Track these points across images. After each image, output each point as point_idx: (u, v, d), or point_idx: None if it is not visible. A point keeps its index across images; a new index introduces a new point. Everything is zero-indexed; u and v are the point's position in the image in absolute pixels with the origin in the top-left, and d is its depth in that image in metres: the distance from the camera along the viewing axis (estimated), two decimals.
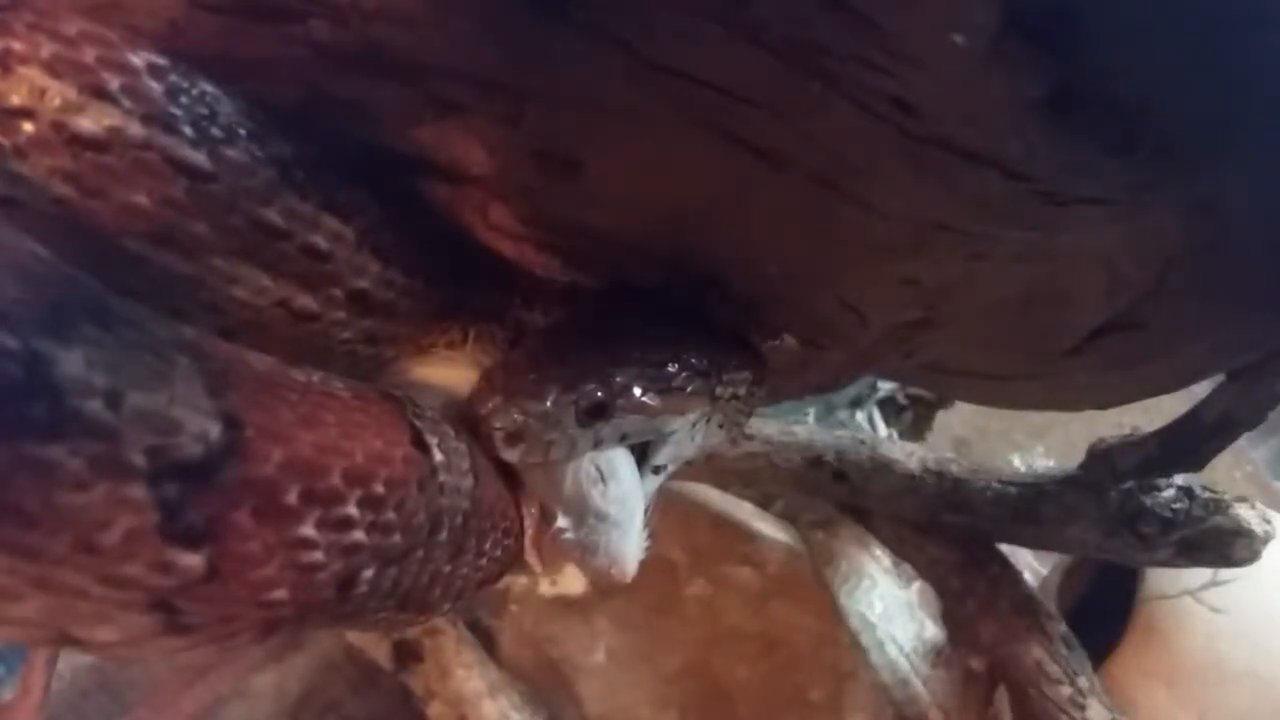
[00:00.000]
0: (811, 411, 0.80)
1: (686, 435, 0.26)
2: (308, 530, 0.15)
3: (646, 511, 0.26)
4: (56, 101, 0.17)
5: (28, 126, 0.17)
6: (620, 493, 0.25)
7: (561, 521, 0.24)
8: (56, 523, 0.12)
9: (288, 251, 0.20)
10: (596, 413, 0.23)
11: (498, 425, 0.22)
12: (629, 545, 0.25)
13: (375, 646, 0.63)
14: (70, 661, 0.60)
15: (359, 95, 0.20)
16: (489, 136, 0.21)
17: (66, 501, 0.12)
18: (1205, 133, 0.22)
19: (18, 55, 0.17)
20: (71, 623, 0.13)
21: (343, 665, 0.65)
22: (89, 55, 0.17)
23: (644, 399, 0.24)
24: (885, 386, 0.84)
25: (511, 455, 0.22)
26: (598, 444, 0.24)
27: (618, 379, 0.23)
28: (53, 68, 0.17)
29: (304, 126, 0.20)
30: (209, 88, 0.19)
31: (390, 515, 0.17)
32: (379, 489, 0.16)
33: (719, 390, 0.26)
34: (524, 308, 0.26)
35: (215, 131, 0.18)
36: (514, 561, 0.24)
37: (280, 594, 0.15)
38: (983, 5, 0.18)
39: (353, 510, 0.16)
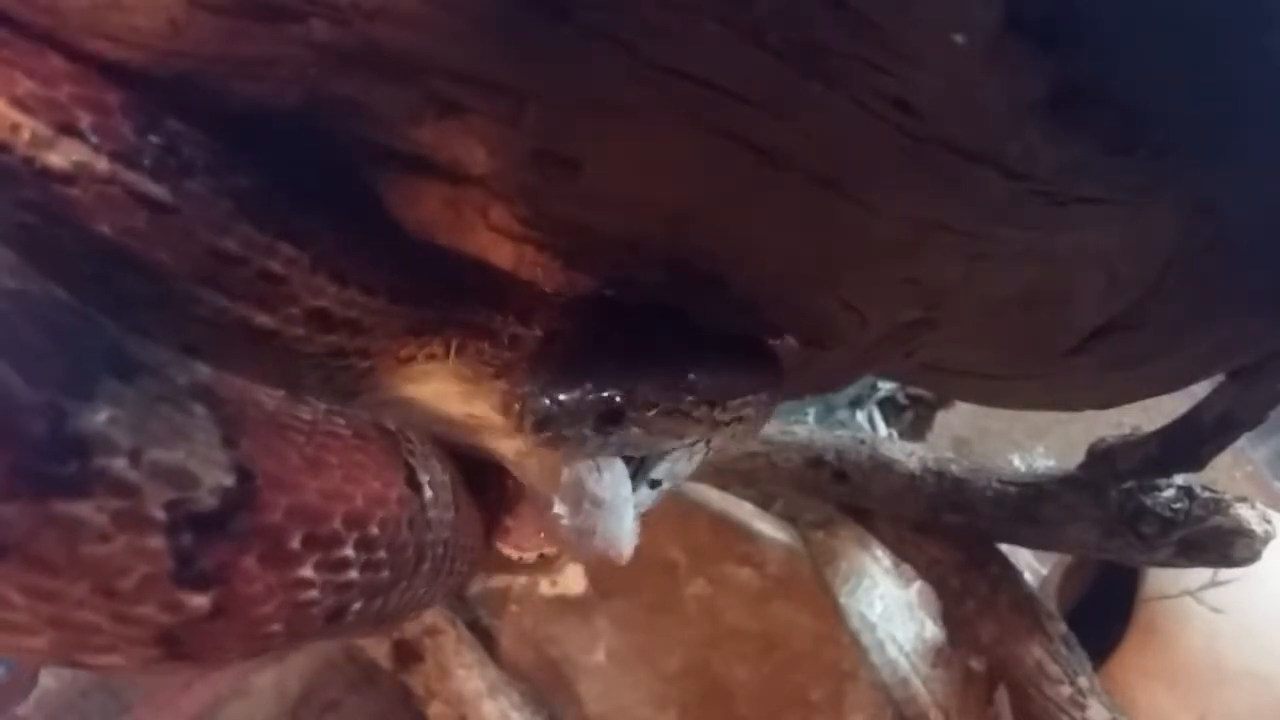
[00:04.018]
0: (811, 411, 0.80)
1: (685, 455, 0.28)
2: (307, 572, 0.16)
3: (636, 507, 0.27)
4: (27, 136, 0.17)
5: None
6: (613, 478, 0.26)
7: (558, 508, 0.25)
8: (79, 571, 0.12)
9: (244, 275, 0.21)
10: (613, 419, 0.23)
11: (530, 408, 0.23)
12: (624, 528, 0.26)
13: (375, 646, 0.63)
14: None
15: (359, 95, 0.20)
16: (489, 136, 0.21)
17: (90, 552, 0.12)
18: (1205, 133, 0.22)
19: None
20: (81, 653, 0.13)
21: (343, 665, 0.65)
22: (63, 92, 0.18)
23: (652, 416, 0.24)
24: (885, 386, 0.84)
25: (534, 440, 0.23)
26: (602, 448, 0.24)
27: (638, 391, 0.24)
28: (26, 104, 0.17)
29: (265, 159, 0.21)
30: (175, 125, 0.20)
31: (382, 554, 0.18)
32: (374, 530, 0.17)
33: (719, 415, 0.27)
34: (521, 324, 0.27)
35: (177, 166, 0.19)
36: (474, 570, 0.26)
37: (276, 627, 0.15)
38: (983, 5, 0.18)
39: (349, 552, 0.17)
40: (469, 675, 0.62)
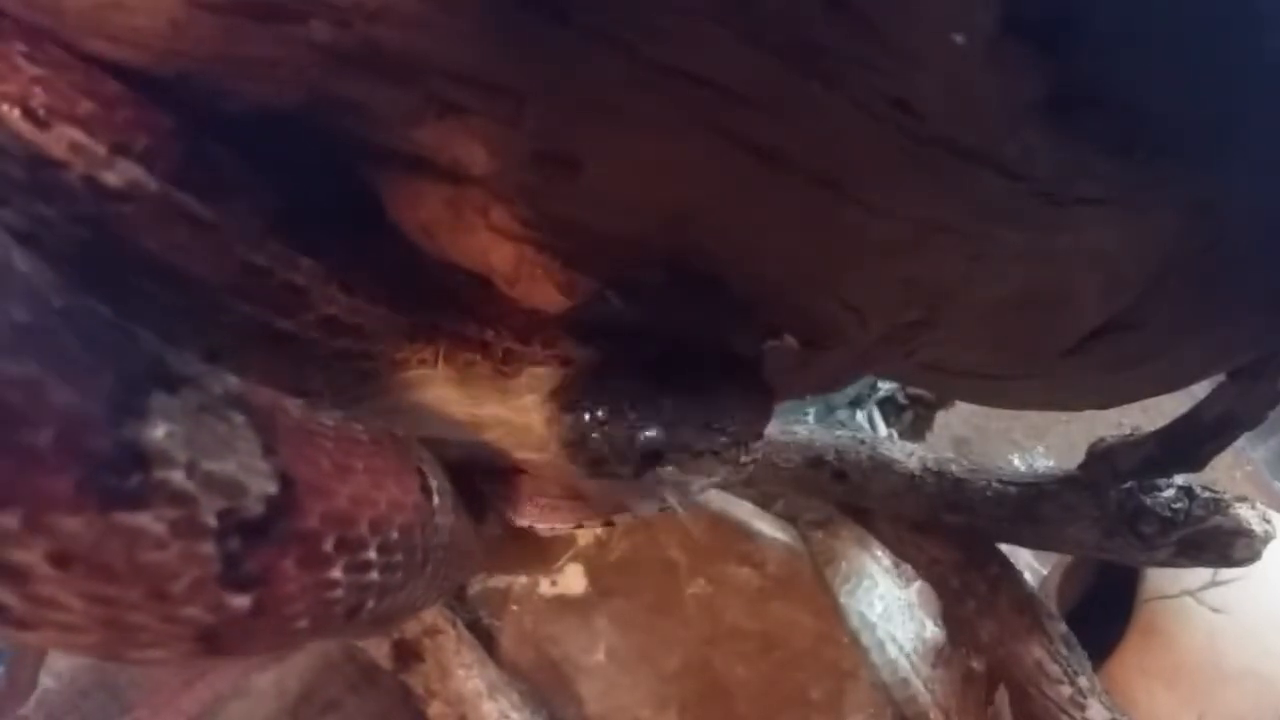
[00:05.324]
0: (811, 411, 0.80)
1: (699, 487, 0.29)
2: (336, 573, 0.17)
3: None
4: (88, 157, 0.19)
5: (60, 177, 0.19)
6: None
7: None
8: (136, 577, 0.13)
9: (270, 286, 0.22)
10: (653, 459, 0.26)
11: (576, 443, 0.25)
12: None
13: (375, 646, 0.63)
14: (70, 660, 0.60)
15: (360, 96, 0.20)
16: (490, 137, 0.21)
17: (147, 559, 0.13)
18: (1204, 133, 0.22)
19: (59, 112, 0.18)
20: (126, 649, 0.14)
21: (343, 665, 0.65)
22: (120, 115, 0.19)
23: (688, 456, 0.26)
24: (885, 386, 0.85)
25: (578, 462, 0.25)
26: (636, 485, 0.26)
27: (679, 433, 0.26)
28: (87, 125, 0.19)
29: (292, 179, 0.22)
30: (217, 148, 0.21)
31: (399, 557, 0.19)
32: (394, 535, 0.19)
33: (744, 458, 0.29)
34: (518, 342, 0.28)
35: (219, 186, 0.21)
36: (468, 576, 0.28)
37: (303, 624, 0.17)
38: (982, 6, 0.18)
39: (372, 554, 0.18)
40: (469, 675, 0.62)
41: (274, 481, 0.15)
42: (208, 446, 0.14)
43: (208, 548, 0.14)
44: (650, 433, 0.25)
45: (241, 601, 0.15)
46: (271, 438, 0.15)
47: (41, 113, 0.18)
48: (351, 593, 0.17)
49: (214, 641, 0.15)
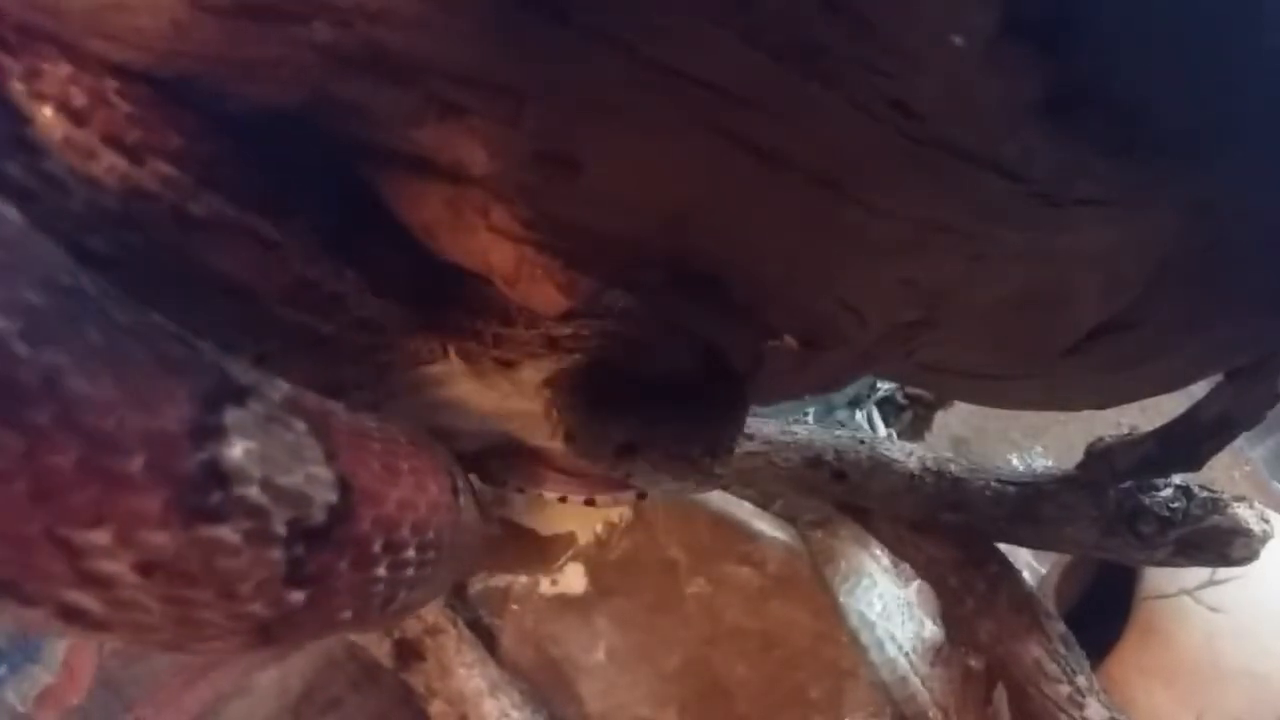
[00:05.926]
0: (811, 411, 0.80)
1: (676, 489, 0.31)
2: (380, 571, 0.18)
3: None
4: (177, 189, 0.20)
5: (150, 208, 0.20)
6: None
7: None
8: (210, 580, 0.14)
9: (319, 296, 0.24)
10: (629, 451, 0.28)
11: (563, 428, 0.28)
12: None
13: (377, 645, 0.63)
14: None
15: (361, 98, 0.20)
16: (490, 138, 0.21)
17: (222, 565, 0.14)
18: (1204, 133, 0.22)
19: (151, 147, 0.19)
20: (192, 643, 0.15)
21: (344, 663, 0.65)
22: (204, 148, 0.20)
23: (660, 457, 0.28)
24: (884, 386, 0.85)
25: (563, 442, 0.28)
26: (616, 469, 0.28)
27: (656, 435, 0.28)
28: (177, 160, 0.20)
29: (340, 196, 0.24)
30: (278, 172, 0.22)
31: (431, 554, 0.20)
32: (430, 535, 0.20)
33: (718, 470, 0.30)
34: (503, 325, 0.30)
35: (283, 209, 0.22)
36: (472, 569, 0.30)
37: (346, 615, 0.18)
38: (981, 7, 0.18)
39: (411, 553, 0.19)
40: (470, 674, 0.62)
41: (334, 490, 0.16)
42: (278, 460, 0.15)
43: (276, 553, 0.15)
44: (626, 430, 0.27)
45: (298, 597, 0.16)
46: (330, 443, 0.17)
47: (136, 148, 0.19)
48: (390, 587, 0.19)
49: (269, 633, 0.16)
